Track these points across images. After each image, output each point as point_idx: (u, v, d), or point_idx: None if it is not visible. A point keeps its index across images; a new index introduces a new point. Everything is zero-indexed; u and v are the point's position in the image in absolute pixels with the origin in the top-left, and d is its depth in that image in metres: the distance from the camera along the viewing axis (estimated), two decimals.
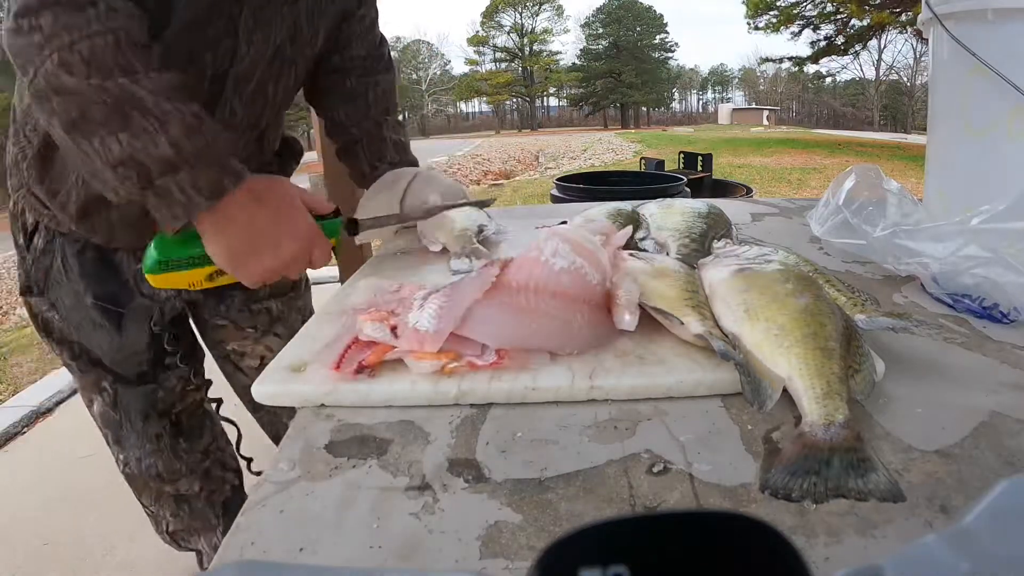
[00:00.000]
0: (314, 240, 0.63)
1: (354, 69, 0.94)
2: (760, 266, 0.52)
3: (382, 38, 0.98)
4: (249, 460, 0.90)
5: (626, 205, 0.83)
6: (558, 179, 2.95)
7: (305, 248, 0.62)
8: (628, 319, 0.49)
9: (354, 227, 0.70)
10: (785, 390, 0.41)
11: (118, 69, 0.53)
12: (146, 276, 0.61)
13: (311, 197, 0.65)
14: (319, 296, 0.94)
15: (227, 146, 0.58)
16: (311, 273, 0.89)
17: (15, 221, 0.84)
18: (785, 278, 0.49)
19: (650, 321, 0.50)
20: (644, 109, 43.19)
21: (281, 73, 0.80)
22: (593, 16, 41.69)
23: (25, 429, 2.30)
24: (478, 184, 9.28)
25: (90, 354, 0.88)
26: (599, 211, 0.80)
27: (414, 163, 0.98)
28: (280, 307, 1.00)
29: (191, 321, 0.97)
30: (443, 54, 47.21)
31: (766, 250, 0.57)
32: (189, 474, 0.97)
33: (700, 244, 0.69)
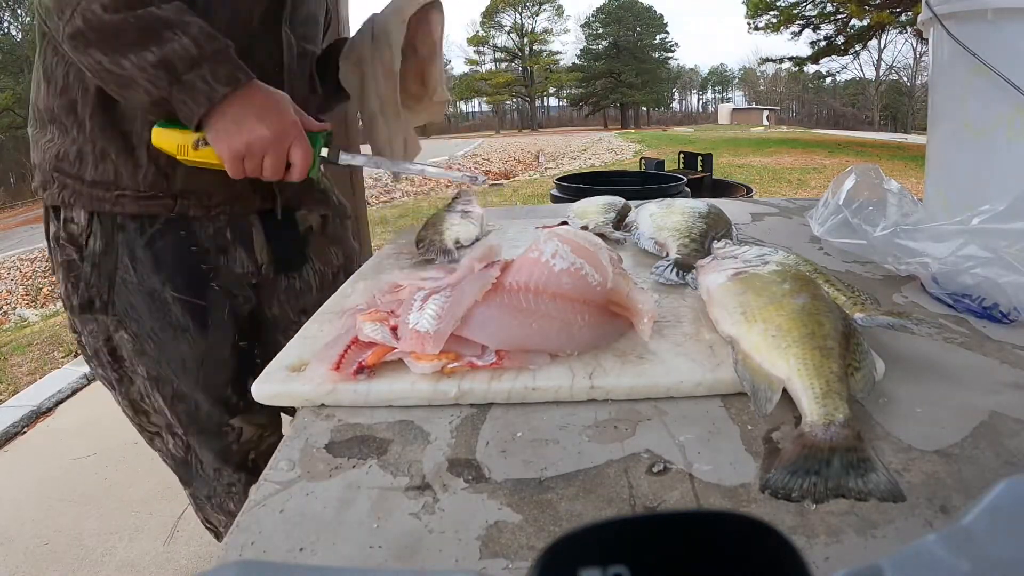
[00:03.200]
0: (295, 135, 0.71)
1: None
2: (757, 268, 0.52)
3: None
4: None
5: (616, 199, 0.83)
6: (558, 179, 2.95)
7: (286, 136, 0.71)
8: (648, 329, 0.49)
9: (335, 153, 0.77)
10: (785, 390, 0.41)
11: (139, 3, 0.63)
12: (152, 130, 0.71)
13: (304, 113, 0.74)
14: None
15: (234, 53, 0.68)
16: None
17: (56, 241, 0.78)
18: (782, 279, 0.49)
19: None
20: (644, 109, 43.19)
21: (314, 8, 0.85)
22: (593, 16, 41.70)
23: (25, 429, 2.30)
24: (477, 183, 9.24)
25: (161, 388, 0.81)
26: (592, 205, 0.81)
27: None
28: None
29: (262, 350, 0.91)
30: (443, 54, 47.19)
31: (765, 250, 0.57)
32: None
33: (700, 244, 0.69)
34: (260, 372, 0.79)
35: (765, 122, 29.35)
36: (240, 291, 0.84)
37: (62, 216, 0.77)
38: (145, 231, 0.77)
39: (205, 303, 0.80)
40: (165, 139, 0.71)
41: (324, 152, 0.76)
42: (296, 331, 0.84)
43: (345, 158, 0.77)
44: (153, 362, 0.80)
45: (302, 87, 0.87)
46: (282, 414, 0.95)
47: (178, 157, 0.71)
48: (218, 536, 1.00)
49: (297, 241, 0.90)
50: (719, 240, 0.69)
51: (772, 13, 17.67)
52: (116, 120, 0.74)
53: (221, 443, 0.87)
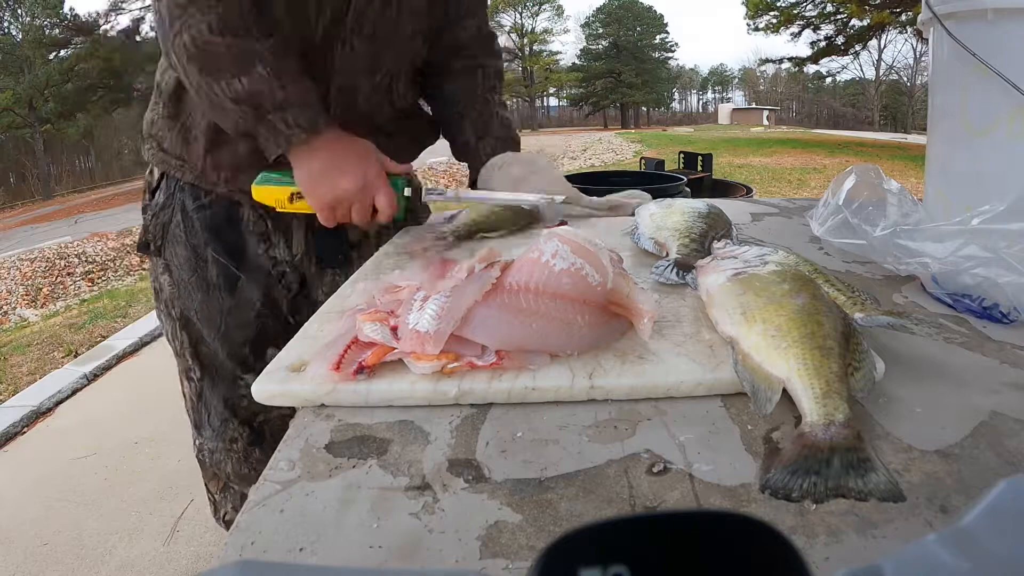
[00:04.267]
0: (380, 185, 0.76)
1: (462, 49, 0.98)
2: (756, 268, 0.52)
3: (490, 28, 1.02)
4: None
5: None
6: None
7: (370, 186, 0.75)
8: (648, 329, 0.49)
9: (418, 194, 0.83)
10: (785, 390, 0.41)
11: (242, 29, 0.69)
12: (252, 188, 0.78)
13: (386, 158, 0.78)
14: None
15: (319, 99, 0.73)
16: None
17: (145, 183, 0.90)
18: (781, 279, 0.49)
19: None
20: (644, 109, 43.17)
21: (395, 16, 0.85)
22: (593, 16, 41.69)
23: (25, 429, 2.30)
24: None
25: (190, 332, 0.89)
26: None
27: (517, 140, 1.00)
28: None
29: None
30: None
31: (765, 250, 0.57)
32: (255, 478, 0.96)
33: (700, 244, 0.69)
34: (279, 345, 0.84)
35: (765, 122, 29.34)
36: (276, 274, 0.90)
37: (149, 168, 0.90)
38: (199, 198, 0.86)
39: (239, 272, 0.88)
40: (264, 196, 0.78)
41: (407, 192, 0.80)
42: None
43: (429, 196, 0.82)
44: (185, 306, 0.89)
45: (368, 92, 0.87)
46: None
47: (277, 209, 0.79)
48: (215, 510, 1.03)
49: (342, 244, 0.94)
50: (719, 240, 0.69)
51: (772, 13, 17.66)
52: (181, 116, 0.83)
53: (233, 393, 0.92)
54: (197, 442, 0.97)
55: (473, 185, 0.98)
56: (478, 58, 0.99)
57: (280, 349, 0.89)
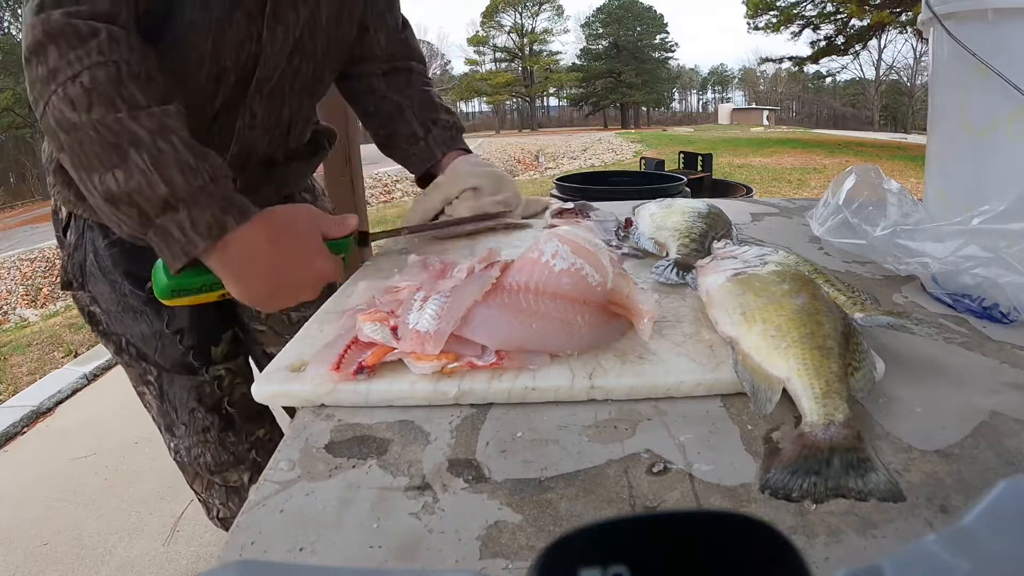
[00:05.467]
0: (328, 272, 0.64)
1: (378, 57, 0.92)
2: (756, 268, 0.52)
3: (404, 21, 0.95)
4: None
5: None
6: (558, 179, 2.95)
7: (319, 282, 0.63)
8: (648, 329, 0.49)
9: (364, 240, 0.73)
10: (785, 390, 0.41)
11: (119, 100, 0.55)
12: (157, 297, 0.62)
13: (327, 223, 0.66)
14: None
15: (228, 184, 0.58)
16: None
17: (55, 218, 0.86)
18: (781, 279, 0.49)
19: None
20: (644, 109, 43.17)
21: (300, 69, 0.80)
22: (593, 16, 41.70)
23: (25, 429, 2.30)
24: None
25: (135, 346, 0.88)
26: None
27: (461, 128, 0.96)
28: None
29: (232, 314, 0.98)
30: (443, 54, 47.24)
31: (765, 250, 0.57)
32: (237, 464, 0.98)
33: (700, 244, 0.69)
34: (222, 341, 0.88)
35: (765, 122, 29.34)
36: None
37: (56, 204, 0.85)
38: (108, 235, 0.82)
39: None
40: (184, 303, 0.63)
41: (353, 243, 0.71)
42: (260, 320, 0.92)
43: (375, 239, 0.77)
44: (119, 332, 0.87)
45: (264, 147, 0.84)
46: (252, 364, 1.01)
47: (206, 303, 0.66)
48: (208, 510, 1.03)
49: None
50: (719, 240, 0.69)
51: (772, 13, 17.67)
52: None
53: (193, 382, 0.91)
54: (172, 444, 0.96)
55: (427, 180, 0.93)
56: (396, 61, 0.94)
57: (221, 345, 0.93)
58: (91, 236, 0.83)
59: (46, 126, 0.57)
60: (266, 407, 1.00)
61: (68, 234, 0.84)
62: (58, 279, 0.89)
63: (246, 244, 0.58)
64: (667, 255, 0.69)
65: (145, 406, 0.96)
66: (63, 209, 0.84)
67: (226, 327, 0.95)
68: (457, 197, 0.87)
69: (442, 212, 0.88)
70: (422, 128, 0.93)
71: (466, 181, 0.87)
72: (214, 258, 0.58)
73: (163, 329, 0.87)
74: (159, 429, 0.97)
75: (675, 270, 0.63)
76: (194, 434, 0.94)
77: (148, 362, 0.90)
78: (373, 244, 0.75)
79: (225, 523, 1.05)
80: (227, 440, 0.96)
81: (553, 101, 48.28)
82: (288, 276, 0.61)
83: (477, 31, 42.37)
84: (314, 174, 1.06)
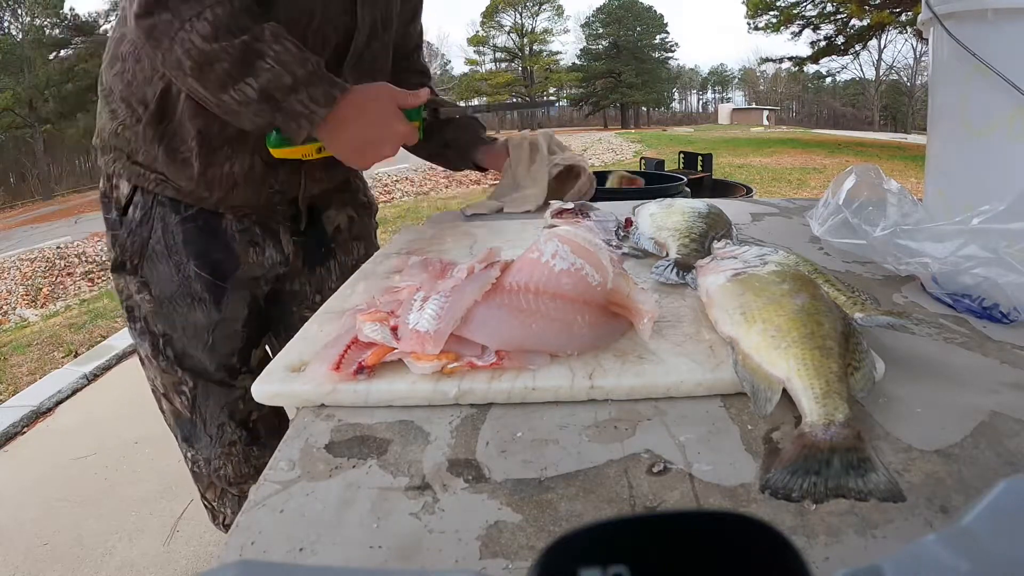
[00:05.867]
0: (404, 131, 0.79)
1: (419, 73, 1.08)
2: (756, 268, 0.52)
3: (426, 71, 1.13)
4: None
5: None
6: None
7: (397, 140, 0.79)
8: (648, 329, 0.49)
9: (436, 113, 0.89)
10: (785, 390, 0.41)
11: (238, 28, 0.67)
12: (269, 148, 0.78)
13: (402, 95, 0.80)
14: None
15: (325, 68, 0.72)
16: None
17: (106, 198, 0.86)
18: (781, 279, 0.49)
19: None
20: (644, 109, 43.16)
21: (376, 53, 0.90)
22: (593, 16, 41.68)
23: (25, 429, 2.30)
24: (478, 184, 9.28)
25: (174, 346, 0.88)
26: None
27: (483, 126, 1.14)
28: None
29: (274, 313, 1.00)
30: (443, 54, 47.24)
31: (765, 250, 0.57)
32: (255, 476, 0.98)
33: (700, 244, 0.69)
34: (261, 345, 0.92)
35: (765, 122, 29.34)
36: (263, 276, 0.92)
37: (112, 182, 0.85)
38: (180, 211, 0.84)
39: (225, 285, 0.87)
40: (287, 153, 0.78)
41: (424, 114, 0.85)
42: (311, 307, 0.94)
43: (445, 112, 0.91)
44: (168, 324, 0.87)
45: None
46: None
47: (304, 159, 0.81)
48: (213, 517, 1.03)
49: (323, 239, 0.97)
50: (719, 240, 0.69)
51: (772, 13, 17.68)
52: (167, 135, 0.80)
53: (228, 397, 0.91)
54: (189, 455, 0.96)
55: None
56: (423, 79, 1.09)
57: (259, 349, 0.95)
58: (161, 212, 0.83)
59: (172, 61, 0.68)
60: (286, 420, 1.01)
61: (131, 210, 0.84)
62: (110, 260, 0.88)
63: (341, 112, 0.73)
64: (667, 255, 0.69)
65: (162, 411, 0.94)
66: (123, 185, 0.84)
67: (266, 329, 0.98)
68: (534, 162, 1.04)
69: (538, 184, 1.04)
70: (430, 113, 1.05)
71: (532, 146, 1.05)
72: (325, 128, 0.73)
73: (220, 320, 0.87)
74: (175, 438, 0.96)
75: (675, 270, 0.63)
76: (218, 446, 0.93)
77: (185, 368, 0.88)
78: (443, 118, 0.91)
79: (211, 506, 1.06)
80: (251, 454, 0.96)
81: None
82: (372, 135, 0.76)
83: (477, 31, 42.36)
84: None
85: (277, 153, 0.78)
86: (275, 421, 0.98)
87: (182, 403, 0.91)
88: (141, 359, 0.92)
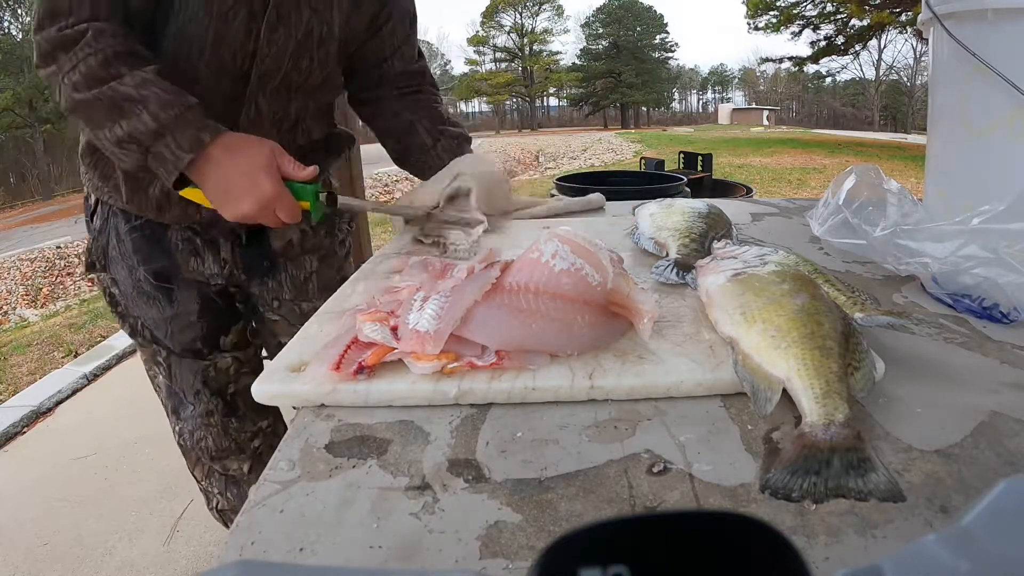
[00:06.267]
0: (278, 199, 0.75)
1: (396, 82, 1.00)
2: (756, 268, 0.52)
3: (420, 53, 1.03)
4: None
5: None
6: (558, 179, 2.95)
7: (269, 204, 0.75)
8: (648, 329, 0.49)
9: (332, 200, 0.80)
10: (785, 390, 0.41)
11: (108, 75, 0.70)
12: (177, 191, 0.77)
13: (288, 162, 0.77)
14: None
15: (199, 109, 0.72)
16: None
17: (85, 204, 0.94)
18: (781, 279, 0.49)
19: None
20: (644, 109, 43.15)
21: (309, 71, 0.87)
22: (593, 16, 41.68)
23: (25, 429, 2.30)
24: None
25: (148, 328, 0.94)
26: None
27: (469, 139, 1.04)
28: None
29: (245, 308, 1.03)
30: (443, 54, 47.24)
31: (765, 250, 0.57)
32: (239, 453, 1.02)
33: (700, 244, 0.69)
34: (232, 332, 0.98)
35: (765, 122, 29.33)
36: (208, 282, 0.95)
37: (87, 190, 0.92)
38: (130, 221, 0.90)
39: (172, 286, 0.93)
40: (191, 196, 0.78)
41: (322, 197, 0.79)
42: (274, 311, 0.99)
43: (344, 203, 0.82)
44: (133, 314, 0.94)
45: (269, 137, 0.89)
46: (263, 355, 1.07)
47: (208, 206, 0.78)
48: (208, 500, 1.07)
49: (268, 253, 0.98)
50: (719, 240, 0.69)
51: (772, 13, 17.68)
52: (102, 159, 0.85)
53: (198, 366, 0.97)
54: (177, 428, 1.00)
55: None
56: (409, 87, 1.01)
57: (231, 335, 0.98)
58: (115, 222, 0.90)
59: (66, 109, 0.73)
60: None
61: (95, 219, 0.92)
62: (83, 262, 0.96)
63: (213, 155, 0.72)
64: (667, 255, 0.69)
65: (155, 389, 1.00)
66: (92, 196, 0.91)
67: (237, 319, 1.00)
68: (450, 194, 0.90)
69: (437, 206, 0.90)
70: (431, 138, 1.00)
71: (461, 179, 0.91)
72: (196, 169, 0.73)
73: (173, 315, 0.93)
74: (167, 413, 1.00)
75: (675, 270, 0.63)
76: (198, 416, 0.98)
77: (159, 344, 0.95)
78: (342, 205, 0.82)
79: (224, 516, 1.08)
80: (230, 426, 0.99)
81: (553, 101, 48.29)
82: (235, 185, 0.73)
83: (477, 31, 42.36)
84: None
85: (185, 193, 0.77)
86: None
87: (162, 373, 0.97)
88: (132, 339, 0.99)
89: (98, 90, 0.69)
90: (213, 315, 0.96)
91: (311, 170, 0.78)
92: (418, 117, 1.01)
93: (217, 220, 0.86)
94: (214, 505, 1.06)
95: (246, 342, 1.02)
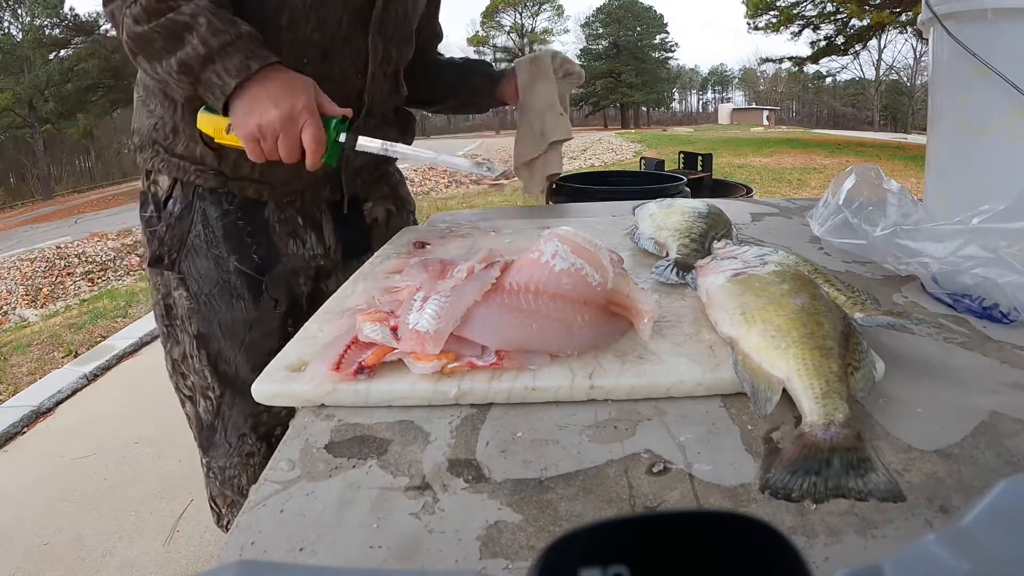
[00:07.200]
0: (307, 119, 0.73)
1: (432, 48, 1.09)
2: (756, 268, 0.52)
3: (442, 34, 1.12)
4: None
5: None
6: (558, 179, 2.95)
7: (296, 118, 0.72)
8: (648, 329, 0.49)
9: (353, 140, 0.78)
10: (785, 390, 0.41)
11: (166, 8, 0.70)
12: (198, 114, 0.77)
13: (326, 100, 0.76)
14: None
15: (252, 39, 0.72)
16: None
17: (145, 196, 0.87)
18: (781, 279, 0.49)
19: None
20: (644, 109, 43.14)
21: (397, 15, 0.88)
22: (593, 16, 41.65)
23: (25, 429, 2.30)
24: (478, 184, 9.28)
25: (209, 347, 0.87)
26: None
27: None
28: None
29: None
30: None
31: (765, 250, 0.57)
32: None
33: (700, 244, 0.69)
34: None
35: (765, 122, 29.34)
36: (303, 272, 0.91)
37: (151, 178, 0.86)
38: (221, 204, 0.84)
39: (264, 279, 0.86)
40: (205, 124, 0.76)
41: (342, 138, 0.76)
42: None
43: (363, 143, 0.78)
44: (204, 321, 0.86)
45: (382, 89, 0.91)
46: None
47: (216, 140, 0.77)
48: (218, 519, 1.02)
49: (363, 231, 0.97)
50: (719, 240, 0.69)
51: (772, 13, 17.68)
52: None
53: (255, 408, 0.89)
54: (204, 460, 0.95)
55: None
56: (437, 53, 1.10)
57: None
58: (202, 205, 0.84)
59: (125, 42, 0.73)
60: None
61: (171, 204, 0.84)
62: (146, 254, 0.87)
63: (254, 87, 0.71)
64: (667, 255, 0.69)
65: (187, 415, 0.93)
66: (163, 180, 0.85)
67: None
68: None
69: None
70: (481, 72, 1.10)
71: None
72: (240, 94, 0.71)
73: (257, 317, 0.86)
74: (194, 437, 0.95)
75: (675, 270, 0.63)
76: (235, 456, 0.92)
77: (216, 372, 0.87)
78: (359, 150, 0.80)
79: (219, 511, 1.06)
80: (267, 466, 0.95)
81: None
82: (269, 94, 0.72)
83: (477, 31, 42.36)
84: None
85: (200, 121, 0.77)
86: None
87: (206, 407, 0.90)
88: (172, 360, 0.90)
89: (156, 22, 0.69)
90: (294, 323, 0.89)
91: (346, 109, 0.77)
92: (468, 69, 1.09)
93: (318, 190, 0.87)
94: (225, 524, 1.02)
95: None
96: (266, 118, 0.71)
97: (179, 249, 0.84)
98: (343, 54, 0.84)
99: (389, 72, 0.91)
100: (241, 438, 0.91)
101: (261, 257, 0.86)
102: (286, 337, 0.88)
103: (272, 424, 0.92)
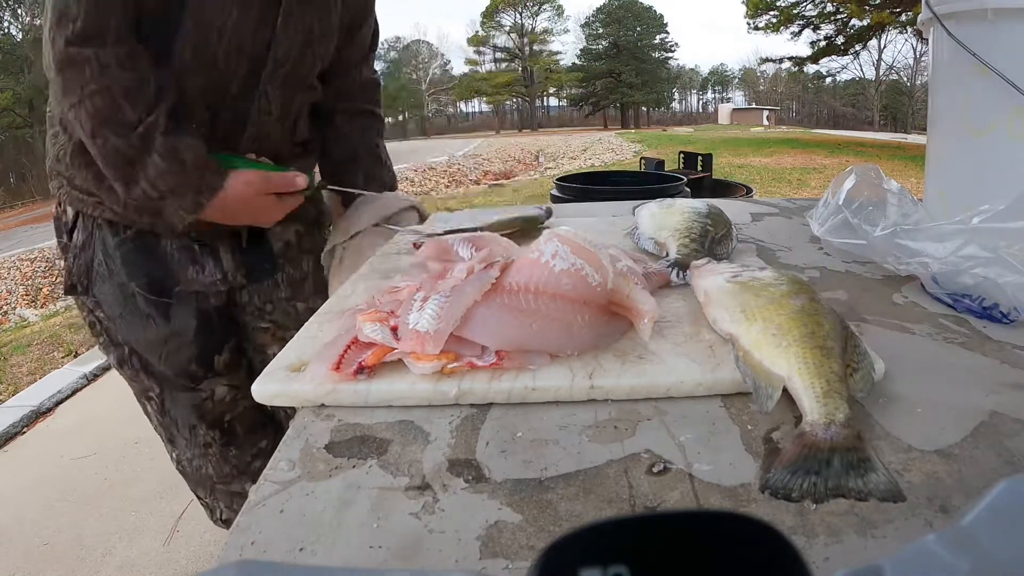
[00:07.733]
0: (285, 209, 0.84)
1: (348, 96, 1.02)
2: (752, 272, 0.53)
3: (374, 77, 1.07)
4: None
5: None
6: (558, 179, 2.95)
7: (260, 217, 0.83)
8: (647, 329, 0.49)
9: (317, 191, 0.90)
10: (785, 389, 0.41)
11: (115, 122, 0.70)
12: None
13: (279, 182, 0.82)
14: None
15: (197, 168, 0.75)
16: None
17: (57, 222, 0.88)
18: (779, 281, 0.49)
19: None
20: (644, 109, 43.15)
21: (312, 63, 0.89)
22: (593, 16, 41.67)
23: (25, 429, 2.30)
24: (478, 184, 9.28)
25: (138, 356, 0.89)
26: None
27: (395, 188, 1.08)
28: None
29: (232, 323, 0.98)
30: (443, 54, 47.19)
31: (744, 267, 0.57)
32: (239, 476, 0.99)
33: (700, 244, 0.69)
34: (224, 350, 0.94)
35: (765, 122, 29.34)
36: (209, 292, 0.91)
37: (61, 207, 0.87)
38: (118, 233, 0.85)
39: (170, 300, 0.88)
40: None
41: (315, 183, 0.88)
42: (264, 317, 0.97)
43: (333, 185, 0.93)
44: (125, 337, 0.88)
45: (277, 137, 0.90)
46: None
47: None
48: (211, 514, 1.04)
49: (269, 255, 0.97)
50: (701, 260, 0.68)
51: (772, 13, 17.69)
52: (93, 161, 0.78)
53: (194, 398, 0.92)
54: (174, 455, 0.97)
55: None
56: (361, 104, 1.04)
57: (224, 354, 0.95)
58: (100, 235, 0.84)
59: (82, 132, 0.73)
60: (270, 417, 1.00)
61: (75, 234, 0.85)
62: (61, 283, 0.90)
63: (216, 208, 0.78)
64: (667, 255, 0.69)
65: (147, 415, 0.96)
66: (69, 210, 0.85)
67: (228, 337, 0.95)
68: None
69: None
70: (364, 180, 1.03)
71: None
72: (205, 214, 0.78)
73: (170, 334, 0.88)
74: (161, 439, 0.97)
75: (675, 270, 0.63)
76: (195, 447, 0.94)
77: (150, 375, 0.90)
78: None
79: (229, 524, 1.06)
80: (228, 454, 0.97)
81: (553, 101, 48.28)
82: (248, 220, 0.83)
83: (477, 31, 42.37)
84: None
85: None
86: (256, 416, 0.98)
87: (153, 408, 0.93)
88: (114, 366, 0.93)
89: (103, 140, 0.71)
90: (209, 332, 0.91)
91: (300, 181, 0.84)
92: (361, 160, 1.03)
93: (213, 224, 0.85)
94: (219, 516, 1.04)
95: (237, 361, 0.96)
96: (239, 221, 0.82)
97: (88, 277, 0.86)
98: (229, 111, 0.83)
99: (285, 125, 0.91)
100: (192, 430, 0.94)
101: (160, 282, 0.87)
102: (205, 345, 0.91)
103: (219, 412, 0.94)
